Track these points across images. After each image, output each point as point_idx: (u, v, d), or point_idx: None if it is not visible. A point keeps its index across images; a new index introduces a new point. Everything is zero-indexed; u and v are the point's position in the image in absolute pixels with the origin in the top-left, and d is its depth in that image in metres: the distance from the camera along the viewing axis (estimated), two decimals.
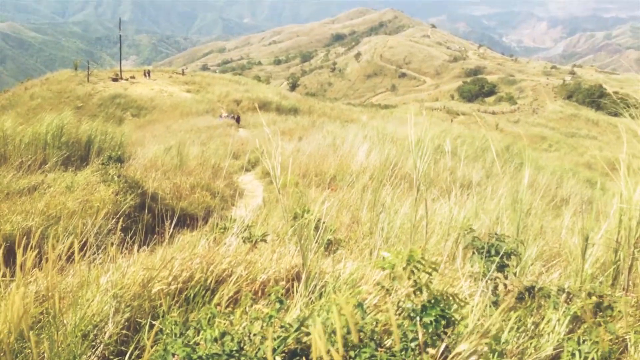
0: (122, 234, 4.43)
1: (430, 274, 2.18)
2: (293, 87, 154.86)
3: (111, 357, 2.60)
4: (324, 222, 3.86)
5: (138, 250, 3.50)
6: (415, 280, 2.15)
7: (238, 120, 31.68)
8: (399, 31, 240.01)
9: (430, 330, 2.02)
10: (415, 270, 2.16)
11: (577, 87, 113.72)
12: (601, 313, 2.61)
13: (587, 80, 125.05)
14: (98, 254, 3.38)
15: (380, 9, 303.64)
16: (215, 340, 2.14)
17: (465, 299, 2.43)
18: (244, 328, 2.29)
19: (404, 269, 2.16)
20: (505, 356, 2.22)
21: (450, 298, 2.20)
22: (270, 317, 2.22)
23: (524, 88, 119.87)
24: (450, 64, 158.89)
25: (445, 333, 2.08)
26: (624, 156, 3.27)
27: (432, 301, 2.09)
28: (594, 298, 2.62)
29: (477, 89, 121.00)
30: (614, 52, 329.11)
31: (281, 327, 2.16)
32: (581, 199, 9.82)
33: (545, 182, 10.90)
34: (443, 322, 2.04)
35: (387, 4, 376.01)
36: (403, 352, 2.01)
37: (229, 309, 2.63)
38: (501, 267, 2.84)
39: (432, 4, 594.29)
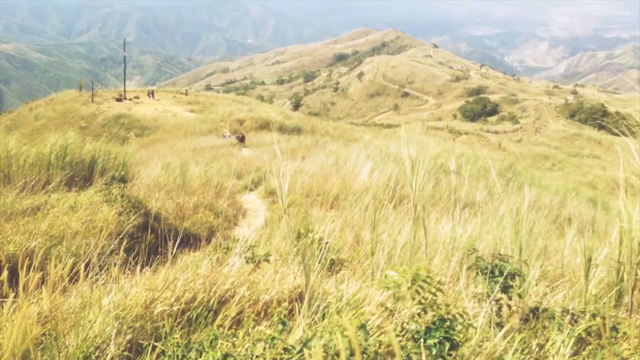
0: (125, 255, 4.43)
1: (435, 295, 2.18)
2: (296, 106, 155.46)
3: None
4: (327, 242, 3.86)
5: (141, 271, 3.49)
6: (420, 301, 2.15)
7: (243, 139, 31.68)
8: (401, 51, 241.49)
9: (434, 352, 2.01)
10: (421, 290, 2.15)
11: (579, 107, 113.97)
12: (606, 334, 2.59)
13: (589, 100, 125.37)
14: (101, 275, 3.38)
15: (382, 30, 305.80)
16: None
17: (470, 320, 2.42)
18: (246, 350, 2.28)
19: (409, 288, 2.15)
20: None
21: (458, 316, 2.18)
22: (273, 338, 2.21)
23: (527, 107, 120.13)
24: (452, 84, 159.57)
25: (450, 355, 2.07)
26: (622, 175, 3.26)
27: (437, 322, 2.08)
28: (598, 319, 2.60)
29: (480, 109, 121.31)
30: (616, 72, 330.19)
31: (284, 349, 2.15)
32: (584, 219, 9.79)
33: (549, 202, 10.88)
34: (447, 345, 2.02)
35: (389, 24, 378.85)
36: None
37: (232, 330, 2.62)
38: (505, 288, 2.83)
39: (433, 25, 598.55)
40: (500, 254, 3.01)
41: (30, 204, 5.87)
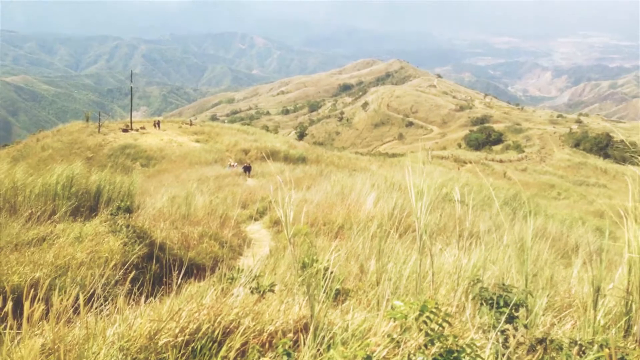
0: (130, 285, 4.42)
1: (442, 326, 2.16)
2: (301, 136, 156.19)
3: None
4: (332, 272, 3.84)
5: (145, 302, 3.48)
6: (427, 332, 2.13)
7: (249, 169, 31.64)
8: (405, 81, 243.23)
9: None
10: (428, 321, 2.13)
11: (584, 136, 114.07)
12: None
13: (593, 129, 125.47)
14: (105, 305, 3.37)
15: (386, 60, 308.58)
16: None
17: (477, 351, 2.39)
18: None
19: (416, 319, 2.14)
20: None
21: (465, 347, 2.16)
22: None
23: (531, 136, 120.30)
24: (456, 113, 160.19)
25: None
26: (630, 204, 3.26)
27: (444, 354, 2.06)
28: (606, 350, 2.57)
29: (484, 138, 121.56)
30: (620, 101, 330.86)
31: None
32: (591, 248, 9.72)
33: (555, 231, 10.83)
34: None
35: (393, 55, 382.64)
36: None
37: None
38: (510, 319, 2.80)
39: (437, 55, 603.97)
40: (504, 284, 2.99)
41: (36, 234, 5.88)
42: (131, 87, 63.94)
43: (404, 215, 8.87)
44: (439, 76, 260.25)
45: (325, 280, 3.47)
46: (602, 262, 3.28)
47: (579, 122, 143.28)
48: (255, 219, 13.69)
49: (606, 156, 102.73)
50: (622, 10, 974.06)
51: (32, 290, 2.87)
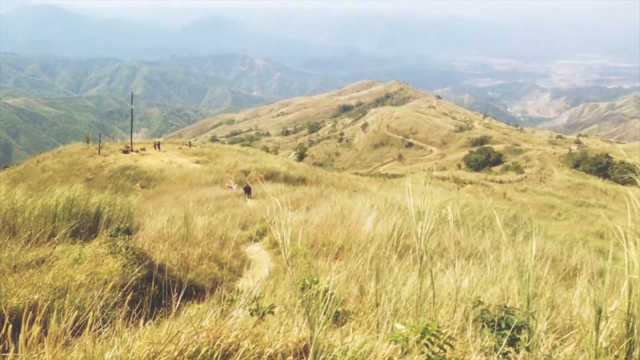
0: (129, 307, 4.40)
1: (443, 349, 2.15)
2: (301, 157, 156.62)
3: None
4: (332, 294, 3.82)
5: (144, 324, 3.46)
6: (428, 355, 2.11)
7: (249, 190, 31.54)
8: (405, 102, 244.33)
9: None
10: (429, 344, 2.12)
11: (583, 156, 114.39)
12: None
13: (593, 150, 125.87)
14: (104, 328, 3.35)
15: (386, 81, 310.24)
16: None
17: None
18: None
19: (418, 342, 2.12)
20: None
21: None
22: None
23: (531, 157, 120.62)
24: (456, 134, 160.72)
25: None
26: (631, 225, 3.25)
27: None
28: None
29: (484, 158, 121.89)
30: (619, 122, 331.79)
31: None
32: (593, 269, 9.69)
33: (556, 252, 10.80)
34: None
35: (392, 76, 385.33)
36: None
37: None
38: (512, 341, 2.78)
39: (436, 77, 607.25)
40: (506, 306, 2.98)
41: (35, 256, 5.87)
42: (132, 109, 64.27)
43: (403, 236, 8.85)
44: (439, 97, 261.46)
45: (325, 302, 3.46)
46: (604, 284, 3.26)
47: (578, 142, 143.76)
48: (255, 240, 13.66)
49: (606, 177, 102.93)
50: (619, 33, 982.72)
51: (31, 312, 2.86)
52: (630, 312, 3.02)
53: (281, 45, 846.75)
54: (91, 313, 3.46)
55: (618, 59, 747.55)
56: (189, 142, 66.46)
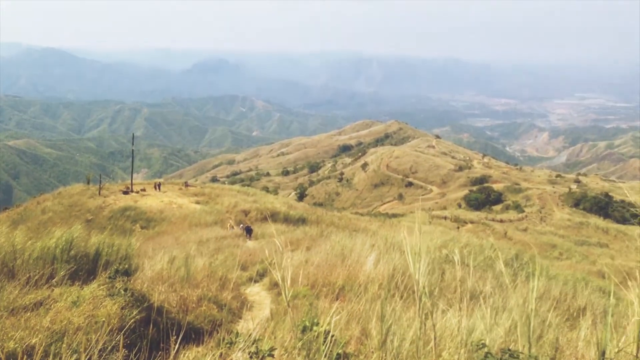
0: (127, 351, 4.34)
1: None
2: (301, 197, 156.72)
3: None
4: (332, 335, 3.78)
5: None
6: None
7: (250, 231, 31.40)
8: (404, 142, 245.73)
9: None
10: None
11: (583, 195, 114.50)
12: None
13: (592, 189, 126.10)
14: None
15: (385, 121, 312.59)
16: None
17: None
18: None
19: None
20: None
21: None
22: None
23: (531, 196, 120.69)
24: (455, 173, 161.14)
25: None
26: (634, 265, 3.24)
27: None
28: None
29: (484, 198, 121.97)
30: (618, 161, 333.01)
31: None
32: (596, 310, 9.59)
33: (559, 292, 10.70)
34: None
35: (392, 116, 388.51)
36: None
37: None
38: None
39: (435, 116, 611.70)
40: (509, 349, 2.94)
41: (33, 298, 5.82)
42: (132, 150, 64.64)
43: (405, 277, 8.79)
44: (438, 137, 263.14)
45: (326, 344, 3.41)
46: (607, 325, 3.23)
47: (577, 181, 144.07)
48: (255, 281, 13.57)
49: (606, 216, 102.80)
50: (616, 74, 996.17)
51: (28, 357, 2.82)
52: (638, 355, 2.99)
53: (281, 87, 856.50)
54: (88, 357, 3.41)
55: (616, 98, 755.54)
56: (185, 183, 66.47)
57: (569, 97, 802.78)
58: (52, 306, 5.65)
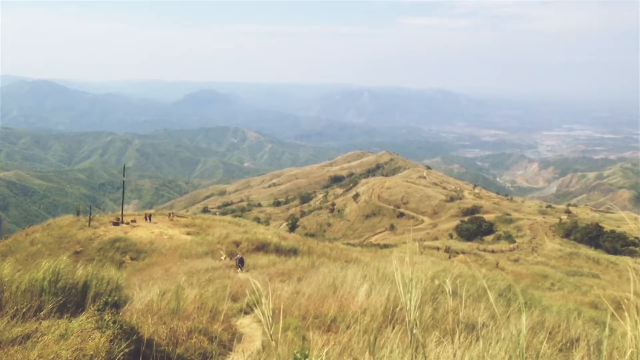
0: None
1: None
2: (292, 227, 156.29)
3: None
4: None
5: None
6: None
7: (242, 262, 31.13)
8: (395, 172, 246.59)
9: None
10: None
11: (574, 226, 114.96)
12: None
13: (583, 219, 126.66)
14: None
15: (376, 152, 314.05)
16: None
17: None
18: None
19: None
20: None
21: None
22: None
23: (522, 226, 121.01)
24: (447, 204, 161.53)
25: None
26: (628, 295, 3.24)
27: None
28: None
29: (475, 228, 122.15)
30: (607, 192, 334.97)
31: None
32: (589, 341, 9.55)
33: (552, 323, 10.66)
34: None
35: (383, 147, 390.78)
36: None
37: None
38: None
39: (426, 147, 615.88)
40: None
41: (21, 331, 5.73)
42: (123, 181, 64.45)
43: (398, 308, 8.75)
44: (429, 167, 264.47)
45: None
46: (602, 356, 3.22)
47: (568, 212, 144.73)
48: (246, 312, 13.43)
49: (597, 246, 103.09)
50: (603, 108, 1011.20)
51: None
52: None
53: (273, 118, 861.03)
54: None
55: (604, 130, 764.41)
56: (170, 214, 65.77)
57: (558, 128, 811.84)
58: (40, 339, 5.56)
